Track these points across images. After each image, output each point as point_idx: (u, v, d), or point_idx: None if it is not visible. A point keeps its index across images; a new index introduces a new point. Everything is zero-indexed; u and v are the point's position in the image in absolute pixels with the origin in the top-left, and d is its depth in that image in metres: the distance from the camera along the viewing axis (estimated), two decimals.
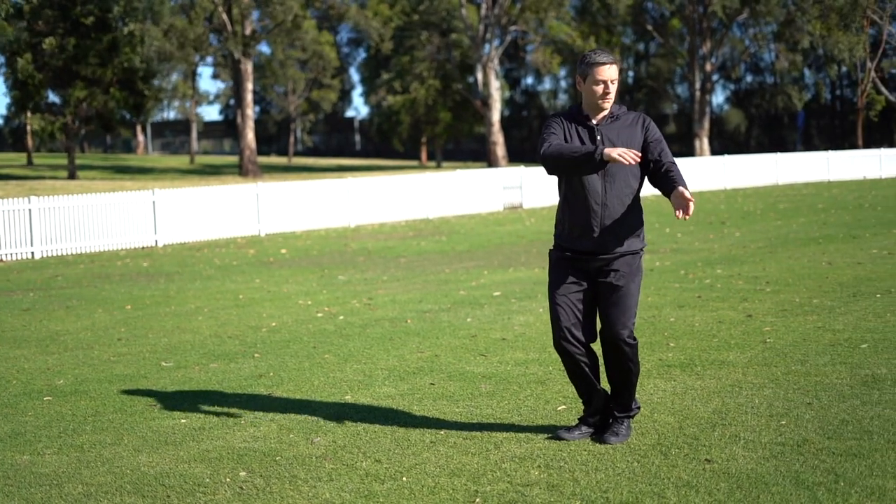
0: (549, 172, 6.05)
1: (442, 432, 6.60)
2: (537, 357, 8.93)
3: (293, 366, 9.05)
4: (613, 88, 6.06)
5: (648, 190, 28.05)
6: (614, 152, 5.69)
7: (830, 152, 45.09)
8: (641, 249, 6.21)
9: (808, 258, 15.61)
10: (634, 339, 6.15)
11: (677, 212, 5.80)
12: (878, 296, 11.49)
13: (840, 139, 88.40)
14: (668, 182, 5.99)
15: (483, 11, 60.85)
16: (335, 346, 9.91)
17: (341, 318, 11.76)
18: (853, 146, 74.60)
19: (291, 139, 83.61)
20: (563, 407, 7.13)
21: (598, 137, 6.06)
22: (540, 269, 16.09)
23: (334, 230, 27.05)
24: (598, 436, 6.26)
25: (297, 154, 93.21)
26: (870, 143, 79.96)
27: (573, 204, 6.13)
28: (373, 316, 11.80)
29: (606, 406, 6.37)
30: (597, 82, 6.03)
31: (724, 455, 5.88)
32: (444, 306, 12.33)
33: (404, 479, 5.72)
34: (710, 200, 33.27)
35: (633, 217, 6.11)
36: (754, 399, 7.06)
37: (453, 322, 11.09)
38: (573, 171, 5.96)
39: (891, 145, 77.82)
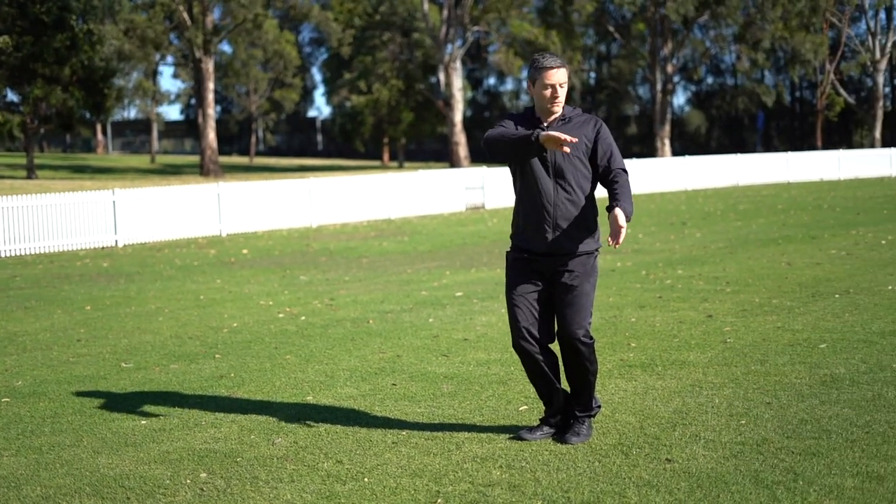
0: (491, 156, 6.13)
1: (404, 433, 6.59)
2: (499, 357, 8.94)
3: (254, 366, 9.01)
4: (562, 92, 6.10)
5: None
6: (552, 134, 5.73)
7: (790, 153, 45.44)
8: (596, 250, 6.23)
9: (768, 259, 15.72)
10: (591, 338, 6.16)
11: (609, 238, 5.83)
12: (837, 296, 11.59)
13: (799, 141, 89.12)
14: (611, 195, 6.03)
15: (445, 12, 60.88)
16: (297, 347, 9.88)
17: (303, 318, 11.73)
18: (812, 147, 75.24)
19: (253, 139, 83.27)
20: (525, 407, 7.15)
21: None
22: (502, 269, 16.11)
23: (296, 230, 26.98)
24: (560, 436, 6.27)
25: (258, 154, 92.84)
26: (829, 145, 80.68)
27: (526, 204, 6.18)
28: (334, 316, 11.77)
29: (567, 406, 6.39)
30: (545, 86, 6.07)
31: (684, 454, 5.91)
32: (406, 307, 12.32)
33: (366, 479, 5.71)
34: (671, 201, 33.45)
35: (585, 218, 6.13)
36: (714, 399, 7.10)
37: (415, 322, 11.08)
38: (513, 153, 6.04)
39: (849, 147, 78.56)
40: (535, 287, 6.20)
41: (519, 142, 5.92)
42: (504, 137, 5.99)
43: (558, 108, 6.13)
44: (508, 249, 6.38)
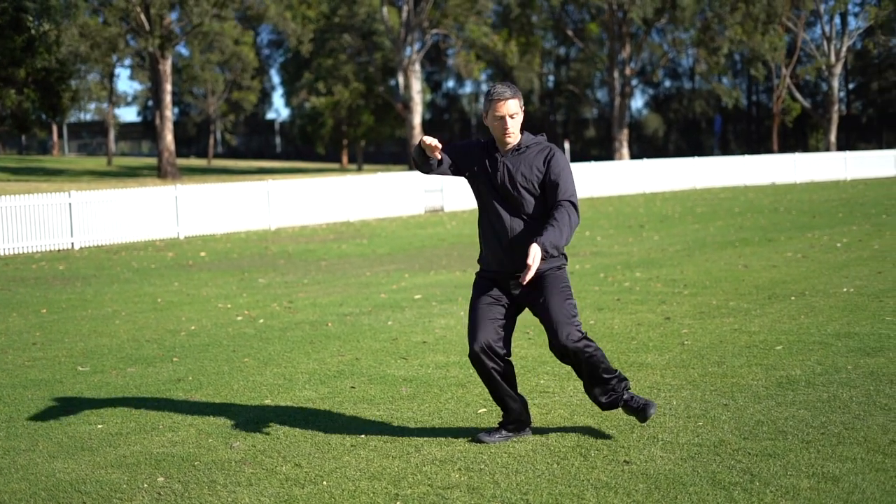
0: (416, 166, 6.28)
1: (362, 436, 6.58)
2: (458, 360, 8.94)
3: (212, 370, 8.97)
4: (513, 123, 6.10)
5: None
6: (424, 140, 5.96)
7: (747, 157, 45.78)
8: (559, 267, 6.20)
9: (725, 261, 15.83)
10: (582, 339, 6.09)
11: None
12: (793, 298, 11.68)
13: (756, 144, 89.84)
14: (545, 226, 5.99)
15: (404, 15, 60.87)
16: (255, 350, 9.84)
17: (261, 321, 11.68)
18: (769, 151, 75.86)
19: (211, 141, 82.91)
20: (484, 410, 7.15)
21: (500, 168, 6.15)
22: (461, 272, 16.13)
23: (254, 233, 26.87)
24: (643, 414, 6.27)
25: (216, 156, 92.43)
26: (785, 149, 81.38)
27: (485, 229, 6.27)
28: (293, 319, 11.73)
29: (524, 413, 6.40)
30: (496, 118, 6.10)
31: (642, 456, 5.93)
32: (365, 309, 12.30)
33: (324, 483, 5.69)
34: (629, 204, 33.61)
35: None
36: (672, 400, 7.14)
37: (374, 325, 11.07)
38: (419, 160, 6.19)
39: (805, 150, 79.26)
40: (494, 300, 6.23)
41: (417, 149, 6.15)
42: (415, 148, 6.19)
43: (511, 139, 6.14)
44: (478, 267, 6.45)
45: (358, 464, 6.01)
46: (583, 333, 6.13)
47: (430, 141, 6.01)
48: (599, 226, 24.40)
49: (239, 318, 11.96)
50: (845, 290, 12.19)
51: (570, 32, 73.95)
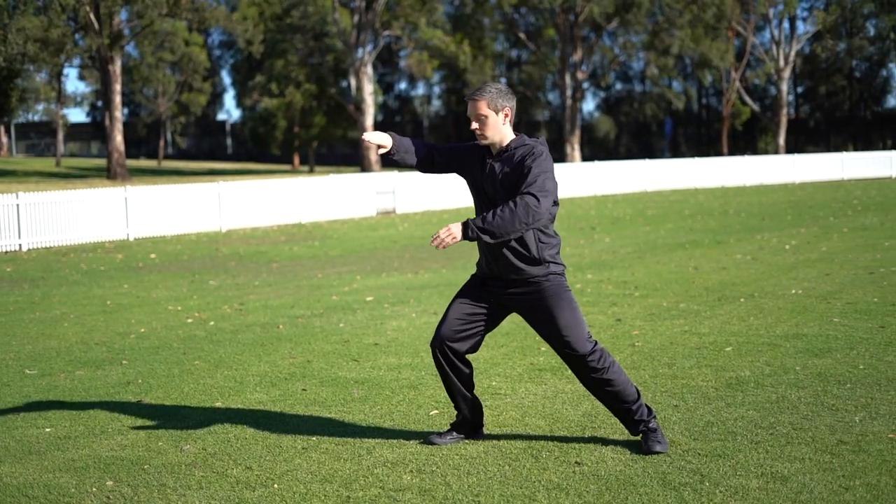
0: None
1: (314, 438, 6.56)
2: (410, 362, 8.94)
3: (162, 372, 8.90)
4: (482, 124, 6.05)
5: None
6: (365, 137, 6.08)
7: (697, 160, 46.11)
8: (547, 275, 6.04)
9: (676, 263, 15.94)
10: (588, 351, 5.99)
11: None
12: (742, 300, 11.78)
13: (706, 147, 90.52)
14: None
15: (356, 16, 60.77)
16: (205, 353, 9.78)
17: (212, 323, 11.62)
18: (718, 154, 76.43)
19: (162, 142, 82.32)
20: (436, 412, 7.15)
21: (487, 169, 6.10)
22: (413, 274, 16.12)
23: (205, 234, 26.72)
24: (645, 447, 6.04)
25: (167, 157, 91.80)
26: (734, 151, 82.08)
27: None
28: (244, 321, 11.68)
29: (475, 416, 6.39)
30: (470, 118, 6.12)
31: (593, 457, 5.96)
32: (317, 311, 12.27)
33: (275, 485, 5.67)
34: (581, 206, 33.75)
35: (524, 245, 5.99)
36: None
37: (326, 327, 11.04)
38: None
39: (754, 153, 79.98)
40: (473, 300, 6.20)
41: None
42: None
43: (484, 140, 6.10)
44: None
45: (309, 466, 5.99)
46: (593, 344, 6.03)
47: (368, 139, 6.03)
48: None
49: (189, 321, 11.88)
50: (794, 291, 12.31)
51: (522, 35, 74.20)
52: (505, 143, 6.10)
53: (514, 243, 6.00)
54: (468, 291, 6.25)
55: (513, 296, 6.11)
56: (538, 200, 5.77)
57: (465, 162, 6.26)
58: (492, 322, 6.25)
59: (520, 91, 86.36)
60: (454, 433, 6.38)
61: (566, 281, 6.15)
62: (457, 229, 5.74)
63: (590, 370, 6.04)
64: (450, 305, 6.26)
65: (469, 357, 8.48)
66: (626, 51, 75.84)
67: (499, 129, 6.07)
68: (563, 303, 6.03)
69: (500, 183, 6.03)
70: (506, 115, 6.08)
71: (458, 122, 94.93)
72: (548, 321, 6.03)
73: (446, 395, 7.58)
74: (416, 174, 35.05)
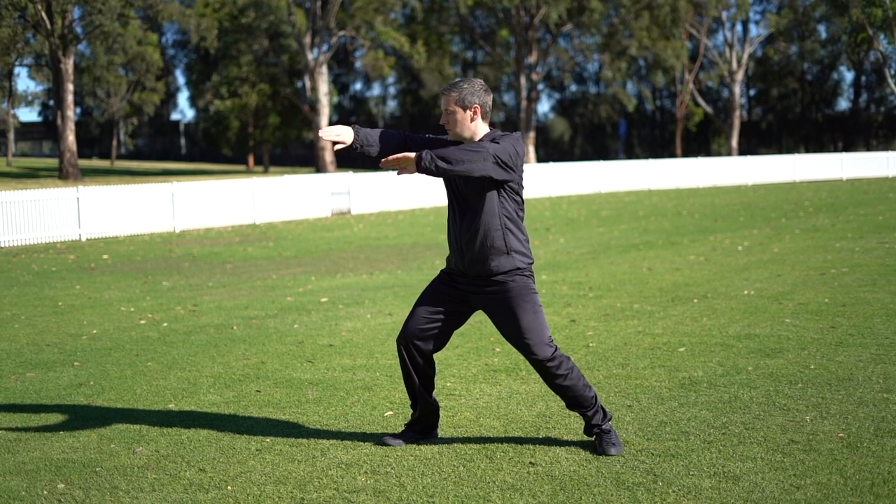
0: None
1: (268, 440, 6.53)
2: (364, 363, 8.92)
3: (115, 374, 8.83)
4: (449, 119, 6.04)
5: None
6: (321, 133, 6.01)
7: (651, 161, 46.37)
8: (516, 269, 6.03)
9: (630, 264, 16.02)
10: (550, 357, 5.98)
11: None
12: (696, 301, 11.86)
13: (660, 149, 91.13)
14: None
15: (311, 16, 60.59)
16: (159, 354, 9.71)
17: (165, 324, 11.54)
18: (672, 155, 76.96)
19: (114, 142, 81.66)
20: (391, 413, 7.15)
21: None
22: (367, 275, 16.10)
23: (159, 235, 26.54)
24: (600, 448, 6.05)
25: (120, 157, 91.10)
26: (688, 153, 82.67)
27: (448, 227, 6.21)
28: (198, 322, 11.61)
29: (431, 417, 6.40)
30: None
31: (547, 458, 5.97)
32: (271, 312, 12.22)
33: (229, 487, 5.64)
34: (536, 207, 33.84)
35: (492, 239, 5.97)
36: None
37: (280, 328, 11.00)
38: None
39: (707, 155, 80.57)
40: (440, 297, 6.19)
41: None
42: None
43: (451, 136, 6.09)
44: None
45: (263, 468, 5.96)
46: (553, 350, 6.01)
47: (324, 136, 6.00)
48: None
49: (142, 322, 11.80)
50: (746, 292, 12.41)
51: (477, 36, 74.31)
52: (477, 139, 6.06)
53: (486, 237, 5.97)
54: (436, 288, 6.24)
55: (479, 293, 6.10)
56: (492, 148, 5.81)
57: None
58: (459, 320, 6.24)
59: None
60: (408, 434, 6.37)
61: (533, 281, 6.14)
62: (412, 161, 5.69)
63: (549, 374, 6.05)
64: (417, 302, 6.25)
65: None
66: (580, 53, 76.14)
67: (467, 125, 6.03)
68: (526, 305, 6.02)
69: (469, 178, 5.93)
70: (475, 112, 6.03)
71: (414, 122, 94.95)
72: (510, 322, 6.03)
73: (403, 394, 7.59)
74: (372, 175, 35.01)
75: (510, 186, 6.02)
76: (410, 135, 6.29)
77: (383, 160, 5.80)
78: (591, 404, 6.15)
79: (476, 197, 5.99)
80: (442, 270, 6.33)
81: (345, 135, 6.08)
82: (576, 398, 6.12)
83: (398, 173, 5.81)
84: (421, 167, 5.68)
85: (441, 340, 6.25)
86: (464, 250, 6.04)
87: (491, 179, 5.88)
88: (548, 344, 6.01)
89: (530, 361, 6.06)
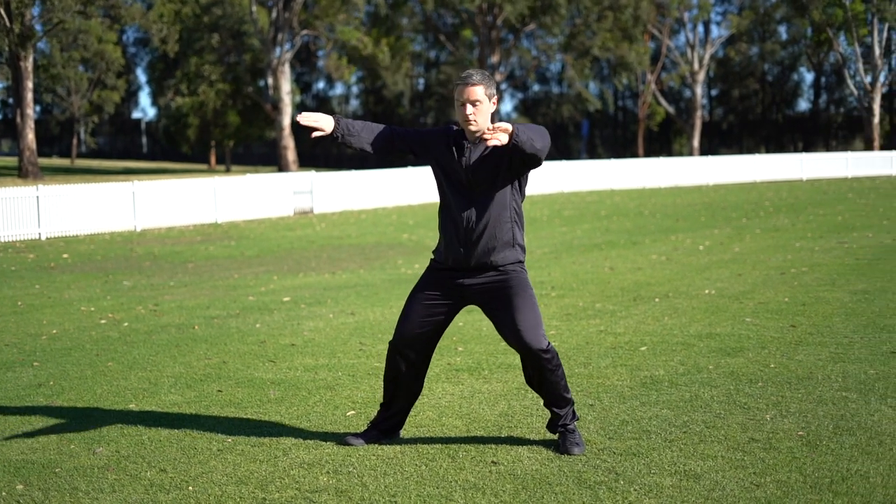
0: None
1: (229, 440, 6.50)
2: (327, 363, 8.90)
3: (75, 374, 8.77)
4: (476, 110, 5.91)
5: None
6: (300, 119, 5.95)
7: (613, 161, 46.53)
8: (519, 262, 6.09)
9: (592, 264, 16.07)
10: (550, 349, 5.99)
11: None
12: (657, 300, 11.92)
13: (622, 149, 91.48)
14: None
15: (274, 15, 60.39)
16: (119, 354, 9.65)
17: (126, 324, 11.47)
18: (634, 155, 77.30)
19: (75, 140, 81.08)
20: (353, 412, 7.13)
21: (465, 154, 5.98)
22: (330, 274, 16.07)
23: (119, 234, 26.37)
24: (563, 447, 6.05)
25: (80, 156, 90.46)
26: (650, 153, 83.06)
27: (444, 221, 6.09)
28: (159, 322, 11.54)
29: (402, 419, 6.39)
30: (458, 102, 5.94)
31: (509, 457, 5.98)
32: (233, 312, 12.17)
33: (190, 488, 5.61)
34: None
35: (501, 230, 5.99)
36: (539, 402, 7.20)
37: (242, 328, 10.96)
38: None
39: (669, 155, 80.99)
40: (435, 298, 6.11)
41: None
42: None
43: (473, 127, 5.94)
44: (431, 258, 6.29)
45: (224, 468, 5.94)
46: (548, 342, 6.01)
47: (303, 121, 5.94)
48: None
49: (103, 322, 11.72)
50: (707, 291, 12.48)
51: (441, 36, 74.34)
52: (477, 129, 5.99)
53: (495, 226, 5.96)
54: (429, 289, 6.14)
55: (477, 286, 6.04)
56: (544, 132, 5.86)
57: (432, 148, 6.11)
58: (449, 319, 6.19)
59: (438, 91, 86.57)
60: (372, 433, 6.35)
61: (527, 274, 6.16)
62: (509, 130, 5.60)
63: (541, 367, 6.01)
64: (410, 303, 6.16)
65: None
66: (543, 53, 76.33)
67: (487, 115, 5.99)
68: (526, 295, 6.02)
69: (482, 168, 5.93)
70: (494, 103, 6.03)
71: (377, 121, 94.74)
72: (510, 312, 5.98)
73: (365, 394, 7.58)
74: (335, 174, 34.97)
75: (520, 181, 6.05)
76: (397, 130, 6.23)
77: (489, 139, 5.60)
78: (569, 404, 6.17)
79: (486, 187, 5.96)
80: (430, 269, 6.22)
81: (324, 122, 6.02)
82: (558, 395, 6.12)
83: (490, 140, 5.56)
84: (518, 139, 5.63)
85: (435, 342, 6.24)
86: (470, 242, 5.97)
87: (519, 166, 5.93)
88: (543, 335, 6.00)
89: (525, 352, 5.97)
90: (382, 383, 6.38)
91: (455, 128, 6.16)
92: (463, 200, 6.00)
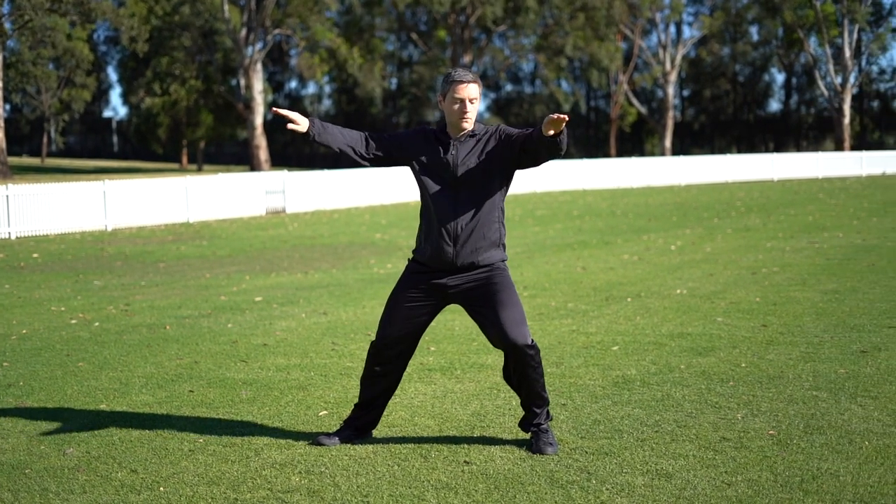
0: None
1: (201, 440, 6.48)
2: (299, 363, 8.88)
3: (45, 374, 8.71)
4: (472, 108, 5.95)
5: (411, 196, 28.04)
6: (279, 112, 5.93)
7: (585, 161, 46.64)
8: (502, 261, 6.09)
9: (564, 263, 16.10)
10: (534, 345, 6.00)
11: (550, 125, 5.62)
12: (629, 300, 11.95)
13: (594, 149, 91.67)
14: (534, 131, 5.87)
15: (246, 14, 60.21)
16: (90, 354, 9.59)
17: (97, 324, 11.40)
18: (606, 156, 77.49)
19: (45, 139, 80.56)
20: (325, 412, 7.12)
21: (452, 151, 5.98)
22: (302, 273, 16.03)
23: (90, 233, 26.23)
24: (536, 447, 6.06)
25: (51, 155, 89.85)
26: (622, 153, 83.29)
27: (428, 221, 6.06)
28: (130, 322, 11.49)
29: (375, 420, 6.39)
30: (455, 101, 5.93)
31: (482, 456, 5.98)
32: (205, 312, 12.12)
33: (161, 489, 5.58)
34: None
35: (489, 230, 6.00)
36: (512, 401, 7.21)
37: (213, 328, 10.92)
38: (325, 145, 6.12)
39: (641, 155, 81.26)
40: (418, 299, 6.07)
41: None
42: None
43: (467, 125, 5.98)
44: (410, 260, 6.23)
45: (196, 469, 5.91)
46: (532, 340, 6.01)
47: (280, 111, 5.93)
48: None
49: (73, 322, 11.65)
50: (679, 291, 12.53)
51: (413, 35, 74.29)
52: (470, 127, 6.04)
53: (482, 226, 5.97)
54: (412, 288, 6.10)
55: (462, 285, 6.02)
56: None
57: (414, 148, 6.09)
58: (431, 318, 6.18)
59: (411, 91, 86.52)
60: (344, 433, 6.34)
61: (509, 272, 6.17)
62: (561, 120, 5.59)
63: (524, 362, 6.00)
64: (393, 305, 6.13)
65: (362, 357, 8.47)
66: (516, 53, 76.41)
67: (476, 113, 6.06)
68: (510, 292, 6.01)
69: (470, 165, 5.95)
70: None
71: (349, 121, 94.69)
72: (494, 309, 5.96)
73: (337, 394, 7.57)
74: (308, 173, 34.91)
75: (509, 181, 6.10)
76: (371, 135, 6.20)
77: (563, 118, 5.58)
78: (545, 404, 6.18)
79: (477, 187, 5.96)
80: (412, 270, 6.16)
81: (298, 118, 5.99)
82: (536, 394, 6.12)
83: (559, 118, 5.55)
84: (560, 136, 5.65)
85: (416, 343, 6.23)
86: (458, 241, 5.95)
87: (526, 160, 5.96)
88: (528, 332, 6.00)
89: (510, 349, 5.95)
90: (360, 383, 6.37)
91: (432, 127, 6.15)
92: (449, 200, 5.98)
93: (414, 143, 6.12)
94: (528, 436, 6.26)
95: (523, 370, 6.05)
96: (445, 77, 6.01)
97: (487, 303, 6.00)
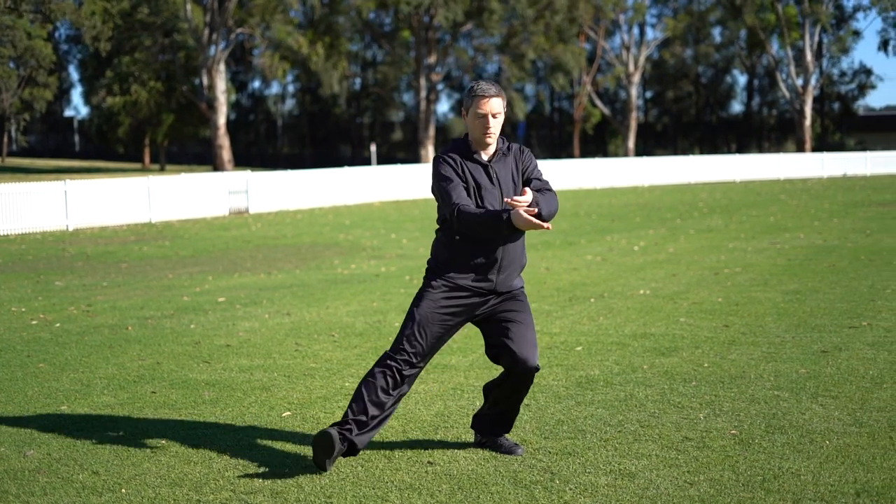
0: (458, 230, 5.80)
1: (164, 441, 6.44)
2: (262, 363, 8.85)
3: (5, 376, 8.64)
4: (496, 122, 5.81)
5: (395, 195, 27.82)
6: (521, 217, 5.45)
7: (549, 161, 46.73)
8: (522, 286, 6.04)
9: (528, 264, 16.11)
10: (538, 368, 5.95)
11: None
12: (592, 300, 11.99)
13: (558, 149, 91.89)
14: (531, 186, 5.82)
15: (208, 14, 59.93)
16: (51, 355, 9.52)
17: (58, 325, 11.32)
18: (570, 156, 77.72)
19: (5, 139, 79.86)
20: (288, 413, 7.10)
21: (492, 176, 5.81)
22: (265, 274, 15.98)
23: (51, 233, 26.03)
24: (499, 446, 6.08)
25: (11, 155, 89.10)
26: (586, 154, 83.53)
27: (471, 242, 5.80)
28: (91, 323, 11.41)
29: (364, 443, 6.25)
30: (478, 115, 5.78)
31: (445, 457, 5.99)
32: (167, 312, 12.06)
33: (123, 490, 5.55)
34: (435, 207, 33.86)
35: (523, 255, 5.97)
36: (475, 402, 7.22)
37: (176, 329, 10.86)
38: (485, 234, 5.73)
39: (605, 156, 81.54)
40: (448, 318, 5.85)
41: (489, 223, 5.62)
42: (477, 220, 5.62)
43: (491, 140, 5.83)
44: (434, 275, 5.92)
45: (158, 470, 5.88)
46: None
47: (538, 222, 5.50)
48: (405, 228, 24.55)
49: (34, 322, 11.56)
50: (642, 292, 12.58)
51: (378, 36, 74.19)
52: (496, 142, 5.91)
53: (520, 253, 5.93)
54: (448, 308, 5.86)
55: (494, 307, 5.91)
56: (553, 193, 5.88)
57: (463, 176, 5.84)
58: (447, 338, 6.01)
59: (375, 92, 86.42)
60: (344, 444, 5.91)
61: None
62: (533, 202, 5.56)
63: (526, 386, 5.98)
64: (426, 321, 5.83)
65: (326, 358, 8.45)
66: (480, 53, 76.45)
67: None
68: (527, 315, 5.95)
69: (509, 188, 5.84)
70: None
71: (313, 121, 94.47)
72: (510, 331, 5.85)
73: (300, 395, 7.54)
74: (271, 174, 34.85)
75: None
76: (459, 188, 5.82)
77: (520, 203, 5.45)
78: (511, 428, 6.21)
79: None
80: (445, 289, 5.86)
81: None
82: (513, 418, 6.14)
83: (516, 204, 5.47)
84: (541, 218, 5.61)
85: (429, 359, 6.03)
86: (503, 269, 5.86)
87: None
88: (538, 355, 5.98)
89: (519, 369, 5.84)
90: (366, 400, 5.84)
91: (452, 154, 5.89)
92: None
93: (459, 172, 5.84)
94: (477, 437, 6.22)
95: (519, 393, 6.03)
96: (469, 90, 5.83)
97: (506, 321, 5.90)
